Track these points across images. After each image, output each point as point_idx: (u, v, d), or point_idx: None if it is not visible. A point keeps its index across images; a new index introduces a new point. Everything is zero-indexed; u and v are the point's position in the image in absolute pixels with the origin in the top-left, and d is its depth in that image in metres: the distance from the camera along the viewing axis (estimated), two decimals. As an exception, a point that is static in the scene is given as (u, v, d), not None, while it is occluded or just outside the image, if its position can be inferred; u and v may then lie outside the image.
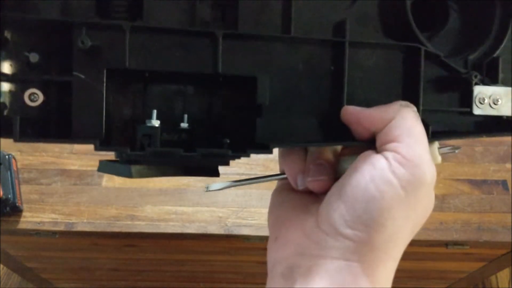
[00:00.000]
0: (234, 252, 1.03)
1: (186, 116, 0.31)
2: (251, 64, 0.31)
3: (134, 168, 0.30)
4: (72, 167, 0.99)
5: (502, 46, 0.34)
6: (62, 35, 0.29)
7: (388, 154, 0.29)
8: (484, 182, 1.02)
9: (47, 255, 1.12)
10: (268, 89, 0.31)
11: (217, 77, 0.31)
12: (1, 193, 0.89)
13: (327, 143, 0.32)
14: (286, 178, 0.34)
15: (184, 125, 0.31)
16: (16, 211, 0.92)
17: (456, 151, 0.33)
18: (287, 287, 0.29)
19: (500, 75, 0.34)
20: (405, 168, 0.28)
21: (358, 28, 0.33)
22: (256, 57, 0.31)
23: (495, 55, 0.34)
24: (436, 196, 1.06)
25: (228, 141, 0.31)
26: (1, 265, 1.42)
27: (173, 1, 0.30)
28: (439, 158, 0.33)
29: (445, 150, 0.33)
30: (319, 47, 0.32)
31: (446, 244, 0.97)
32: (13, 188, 0.91)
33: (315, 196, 0.32)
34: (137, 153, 0.29)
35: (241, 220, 0.93)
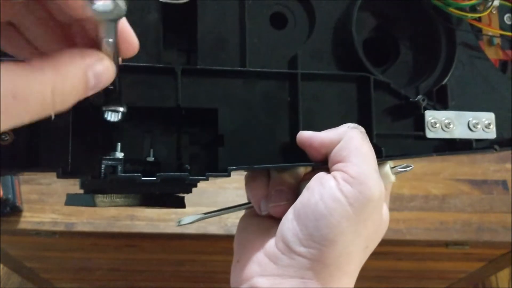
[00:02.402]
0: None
1: (152, 150, 0.33)
2: (211, 97, 0.33)
3: (97, 198, 0.31)
4: (72, 167, 0.99)
5: (450, 74, 0.37)
6: None
7: (337, 174, 0.30)
8: (484, 182, 1.02)
9: (47, 255, 1.12)
10: (229, 120, 0.33)
11: (179, 112, 0.33)
12: (1, 193, 0.89)
13: (283, 165, 0.34)
14: (253, 207, 0.36)
15: (150, 158, 0.33)
16: (16, 211, 0.92)
17: (408, 169, 0.35)
18: None
19: (451, 102, 0.37)
20: (352, 186, 0.29)
21: (312, 62, 0.35)
22: (216, 91, 0.33)
23: (443, 83, 0.37)
24: (436, 196, 1.06)
25: (189, 167, 0.33)
26: (1, 265, 1.42)
27: (141, 48, 0.32)
28: (392, 177, 0.35)
29: (398, 169, 0.35)
30: (275, 80, 0.34)
31: (446, 244, 0.97)
32: (13, 188, 0.91)
33: (277, 220, 0.33)
34: (97, 180, 0.30)
35: (241, 220, 0.93)
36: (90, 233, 0.93)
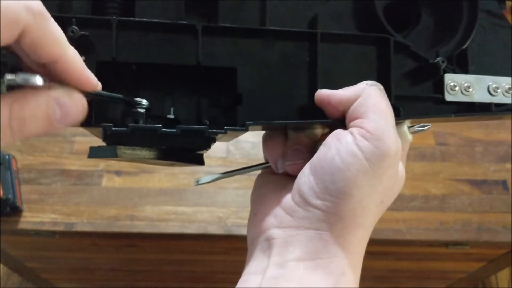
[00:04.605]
0: (234, 252, 1.03)
1: (172, 109, 0.34)
2: (231, 56, 0.33)
3: (120, 149, 0.32)
4: (72, 167, 0.99)
5: (470, 39, 0.37)
6: None
7: (354, 130, 0.31)
8: (484, 182, 1.02)
9: (47, 255, 1.12)
10: (248, 79, 0.34)
11: (199, 71, 0.33)
12: (1, 193, 0.89)
13: (300, 122, 0.34)
14: (270, 166, 0.36)
15: (171, 116, 0.34)
16: (16, 211, 0.92)
17: (426, 128, 0.34)
18: (264, 258, 0.31)
19: (472, 67, 0.37)
20: (369, 141, 0.30)
21: (331, 24, 0.35)
22: (236, 50, 0.34)
23: (464, 47, 0.37)
24: (436, 196, 1.06)
25: (208, 122, 0.34)
26: (1, 265, 1.42)
27: (163, 13, 0.33)
28: (409, 136, 0.35)
29: (415, 128, 0.35)
30: (294, 40, 0.34)
31: (446, 244, 0.97)
32: (13, 188, 0.91)
33: (293, 177, 0.34)
34: (120, 128, 0.31)
35: (241, 220, 0.93)
36: (90, 233, 0.93)
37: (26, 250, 1.08)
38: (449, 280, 1.29)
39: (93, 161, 1.00)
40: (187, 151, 0.34)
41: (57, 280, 1.32)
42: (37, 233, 0.93)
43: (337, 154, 0.30)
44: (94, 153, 0.33)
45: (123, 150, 0.32)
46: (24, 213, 0.93)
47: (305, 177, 0.31)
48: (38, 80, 0.24)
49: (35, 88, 0.24)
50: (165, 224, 0.93)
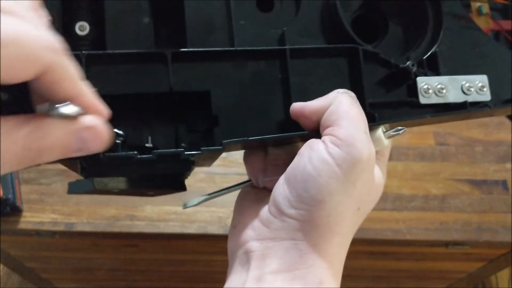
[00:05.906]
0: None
1: (150, 138, 0.34)
2: (203, 80, 0.34)
3: (96, 181, 0.32)
4: (72, 167, 0.99)
5: (438, 42, 0.38)
6: None
7: (326, 138, 0.31)
8: (484, 182, 1.02)
9: (47, 255, 1.12)
10: (222, 101, 0.34)
11: (173, 98, 0.34)
12: (1, 193, 0.89)
13: (277, 136, 0.34)
14: (253, 184, 0.36)
15: (149, 145, 0.34)
16: (16, 211, 0.92)
17: (400, 132, 0.34)
18: (243, 272, 0.31)
19: (444, 69, 0.37)
20: (339, 147, 0.30)
21: (301, 39, 0.36)
22: (207, 73, 0.34)
23: (432, 50, 0.37)
24: (436, 196, 1.06)
25: (184, 145, 0.34)
26: (1, 265, 1.42)
27: (134, 40, 0.33)
28: (385, 141, 0.35)
29: (390, 133, 0.35)
30: (264, 58, 0.35)
31: (446, 244, 0.97)
32: (13, 188, 0.91)
33: None
34: (95, 162, 0.30)
35: (241, 220, 0.93)
36: (90, 233, 0.93)
37: (26, 250, 1.08)
38: (449, 280, 1.29)
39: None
40: (167, 178, 0.34)
41: (57, 280, 1.32)
42: (37, 233, 0.93)
43: (309, 162, 0.30)
44: (72, 188, 0.33)
45: (100, 182, 0.32)
46: (24, 213, 0.93)
47: (280, 188, 0.31)
48: (74, 109, 0.23)
49: (58, 116, 0.23)
50: (165, 224, 0.93)
